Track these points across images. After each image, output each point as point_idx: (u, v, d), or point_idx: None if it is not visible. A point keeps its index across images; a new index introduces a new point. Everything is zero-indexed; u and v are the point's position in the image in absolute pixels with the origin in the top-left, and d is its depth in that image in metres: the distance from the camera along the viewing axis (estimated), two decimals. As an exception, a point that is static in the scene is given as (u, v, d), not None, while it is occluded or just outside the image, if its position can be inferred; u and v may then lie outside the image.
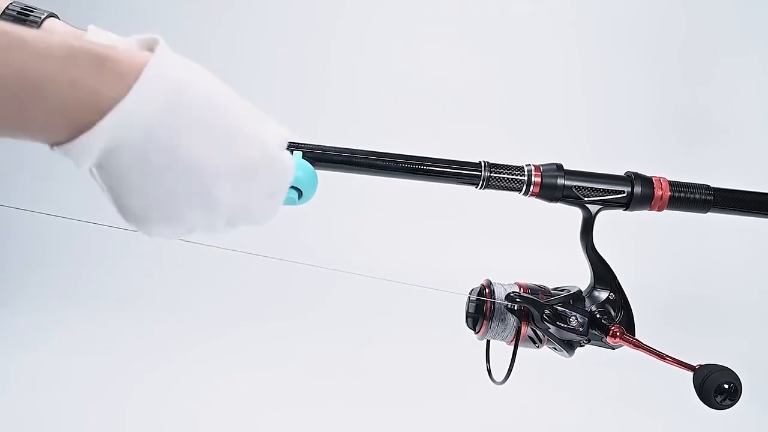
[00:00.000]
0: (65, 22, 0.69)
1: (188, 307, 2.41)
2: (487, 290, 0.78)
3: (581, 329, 0.74)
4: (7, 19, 0.64)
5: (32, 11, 0.66)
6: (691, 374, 0.71)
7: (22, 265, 2.62)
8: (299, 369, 2.03)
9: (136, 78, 0.45)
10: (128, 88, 0.45)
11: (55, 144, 0.46)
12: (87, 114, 0.44)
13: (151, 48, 0.49)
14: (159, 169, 0.47)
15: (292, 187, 0.64)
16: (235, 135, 0.50)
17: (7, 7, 0.65)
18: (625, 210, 0.78)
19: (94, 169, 0.48)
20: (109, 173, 0.48)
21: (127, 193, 0.48)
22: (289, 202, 0.64)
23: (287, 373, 2.00)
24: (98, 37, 0.68)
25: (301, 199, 0.66)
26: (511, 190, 0.76)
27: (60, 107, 0.43)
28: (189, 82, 0.48)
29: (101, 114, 0.44)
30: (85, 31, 0.68)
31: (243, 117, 0.51)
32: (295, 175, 0.64)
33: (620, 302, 0.77)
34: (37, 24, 0.65)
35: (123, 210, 0.49)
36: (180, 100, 0.47)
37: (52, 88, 0.42)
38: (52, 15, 0.68)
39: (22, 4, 0.66)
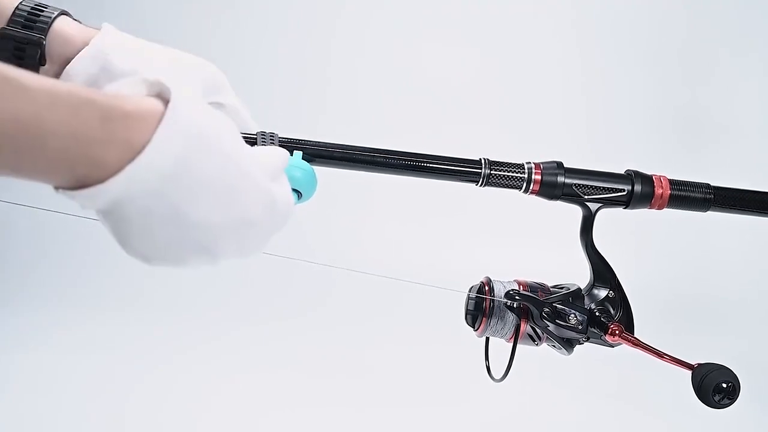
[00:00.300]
0: (77, 20, 0.69)
1: (188, 307, 2.41)
2: (486, 288, 0.78)
3: (580, 327, 0.74)
4: (17, 21, 0.64)
5: (43, 10, 0.65)
6: (689, 373, 0.71)
7: (22, 264, 2.62)
8: (299, 369, 2.03)
9: (145, 140, 0.45)
10: (135, 149, 0.44)
11: (58, 187, 0.46)
12: (90, 169, 0.44)
13: (160, 94, 0.49)
14: (163, 223, 0.48)
15: (292, 188, 0.65)
16: (240, 192, 0.51)
17: (18, 6, 0.65)
18: (625, 208, 0.79)
19: (99, 214, 0.49)
20: (112, 219, 0.48)
21: (130, 238, 0.49)
22: None
23: (287, 373, 2.00)
24: (112, 38, 0.67)
25: (300, 200, 0.66)
26: (511, 187, 0.76)
27: (62, 158, 0.43)
28: (197, 142, 0.48)
29: (104, 170, 0.44)
30: (99, 29, 0.68)
31: (247, 170, 0.52)
32: (295, 176, 0.65)
33: (619, 300, 0.77)
34: (48, 23, 0.64)
35: (127, 249, 0.50)
36: (187, 162, 0.47)
37: (53, 140, 0.41)
38: (63, 13, 0.67)
39: (33, 1, 0.65)
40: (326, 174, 0.69)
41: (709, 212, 0.80)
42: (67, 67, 0.65)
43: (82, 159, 0.43)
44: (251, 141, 0.66)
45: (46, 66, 0.65)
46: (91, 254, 2.53)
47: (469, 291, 0.80)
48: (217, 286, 2.48)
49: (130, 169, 0.44)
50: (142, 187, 0.46)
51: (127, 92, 0.49)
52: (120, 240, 0.49)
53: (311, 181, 0.66)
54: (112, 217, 0.48)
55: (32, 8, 0.65)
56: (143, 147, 0.45)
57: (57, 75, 0.66)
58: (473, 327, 0.80)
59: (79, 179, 0.44)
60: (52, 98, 0.41)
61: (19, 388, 1.86)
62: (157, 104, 0.47)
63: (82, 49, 0.66)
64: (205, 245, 0.51)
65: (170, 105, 0.47)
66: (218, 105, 0.71)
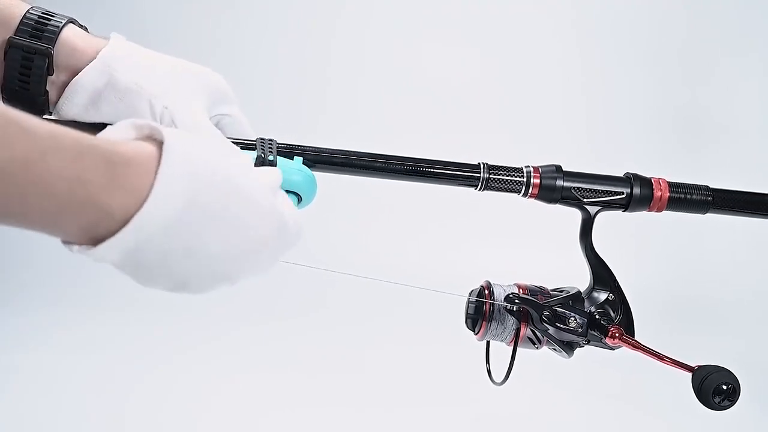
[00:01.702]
0: (84, 27, 0.68)
1: (188, 306, 2.40)
2: (486, 291, 0.78)
3: (580, 330, 0.75)
4: (24, 30, 0.63)
5: (50, 19, 0.64)
6: (689, 375, 0.71)
7: (22, 264, 2.62)
8: (299, 369, 2.03)
9: (146, 186, 0.45)
10: (138, 194, 0.45)
11: (68, 242, 0.46)
12: (96, 215, 0.44)
13: (152, 136, 0.49)
14: (178, 262, 0.49)
15: (293, 192, 0.65)
16: (248, 218, 0.51)
17: (25, 15, 0.64)
18: (624, 211, 0.79)
19: (115, 265, 0.49)
20: (129, 268, 0.49)
21: (149, 281, 0.50)
22: None
23: (287, 373, 2.00)
24: (119, 50, 0.67)
25: (300, 204, 0.66)
26: (510, 191, 0.76)
27: (69, 203, 0.43)
28: (197, 180, 0.48)
29: (111, 217, 0.44)
30: (106, 39, 0.67)
31: (252, 196, 0.52)
32: (295, 180, 0.65)
33: (619, 303, 0.77)
34: (56, 33, 0.64)
35: (147, 287, 0.51)
36: (191, 201, 0.47)
37: (60, 183, 0.41)
38: (71, 21, 0.67)
39: (41, 9, 0.65)
40: (326, 178, 0.69)
41: (708, 214, 0.80)
42: (74, 80, 0.65)
43: (88, 205, 0.43)
44: (250, 147, 0.66)
45: (53, 76, 0.65)
46: (91, 254, 2.53)
47: (469, 295, 0.80)
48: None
49: (136, 220, 0.45)
50: (150, 234, 0.46)
51: (119, 137, 0.49)
52: (140, 282, 0.50)
53: (311, 185, 0.67)
54: (129, 267, 0.48)
55: (40, 17, 0.64)
56: (146, 193, 0.45)
57: (64, 85, 0.65)
58: (473, 331, 0.80)
59: (86, 228, 0.45)
60: (56, 142, 0.42)
61: (18, 388, 1.86)
62: (151, 148, 0.47)
63: (90, 59, 0.65)
64: (222, 274, 0.52)
65: (165, 147, 0.47)
66: (222, 115, 0.71)
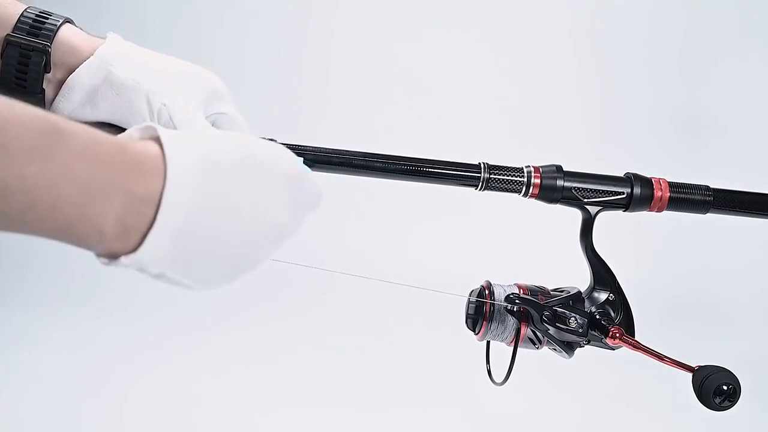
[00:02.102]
0: (80, 27, 0.68)
1: (188, 306, 2.41)
2: (486, 291, 0.78)
3: (581, 330, 0.75)
4: (22, 28, 0.64)
5: (47, 18, 0.65)
6: (690, 375, 0.71)
7: (22, 263, 2.61)
8: (299, 369, 2.03)
9: (162, 167, 0.46)
10: (159, 175, 0.46)
11: (101, 255, 0.47)
12: (125, 200, 0.44)
13: (152, 136, 0.49)
14: (226, 229, 0.49)
15: None
16: (261, 202, 0.52)
17: (23, 14, 0.64)
18: (624, 211, 0.79)
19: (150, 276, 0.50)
20: (179, 262, 0.49)
21: (204, 271, 0.51)
22: None
23: (287, 373, 2.00)
24: (117, 49, 0.67)
25: None
26: (511, 191, 0.76)
27: (90, 188, 0.43)
28: (205, 180, 0.48)
29: (139, 199, 0.45)
30: (103, 39, 0.68)
31: (263, 179, 0.52)
32: None
33: (620, 303, 0.77)
34: (53, 31, 0.64)
35: (208, 287, 0.53)
36: (208, 169, 0.48)
37: (78, 167, 0.42)
38: (67, 21, 0.67)
39: (38, 9, 0.65)
40: (326, 179, 0.69)
41: (708, 214, 0.80)
42: (71, 76, 0.65)
43: (113, 189, 0.44)
44: None
45: (50, 74, 0.65)
46: (91, 254, 2.53)
47: (470, 295, 0.80)
48: (217, 286, 2.48)
49: (169, 191, 0.45)
50: (188, 206, 0.47)
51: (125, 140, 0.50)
52: (196, 281, 0.52)
53: None
54: (180, 257, 0.49)
55: (37, 15, 0.64)
56: (163, 173, 0.46)
57: (60, 83, 0.66)
58: (474, 331, 0.80)
59: (120, 216, 0.45)
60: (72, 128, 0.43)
61: (18, 388, 1.86)
62: (154, 144, 0.48)
63: (87, 57, 0.66)
64: (244, 262, 0.52)
65: (164, 141, 0.47)
66: (219, 114, 0.71)
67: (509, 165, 0.76)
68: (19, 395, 1.82)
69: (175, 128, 0.65)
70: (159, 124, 0.65)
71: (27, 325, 2.25)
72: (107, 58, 0.66)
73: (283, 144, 0.68)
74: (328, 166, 0.70)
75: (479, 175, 0.74)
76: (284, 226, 0.53)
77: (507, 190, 0.76)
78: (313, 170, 0.68)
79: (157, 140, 0.48)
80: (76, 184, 0.42)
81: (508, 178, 0.75)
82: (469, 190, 0.76)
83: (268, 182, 0.52)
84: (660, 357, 0.72)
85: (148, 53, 0.69)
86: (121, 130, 0.65)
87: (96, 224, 0.44)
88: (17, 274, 2.58)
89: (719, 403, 0.69)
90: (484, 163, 0.75)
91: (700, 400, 0.70)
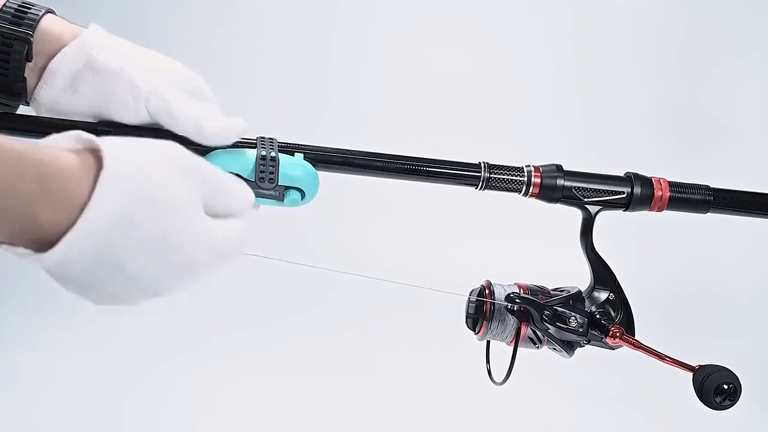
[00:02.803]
0: (62, 17, 0.68)
1: (188, 306, 2.40)
2: (486, 291, 0.78)
3: (581, 330, 0.74)
4: (4, 17, 0.63)
5: (30, 7, 0.65)
6: (690, 375, 0.71)
7: (21, 263, 2.61)
8: (299, 369, 2.03)
9: (81, 199, 0.46)
10: (71, 208, 0.46)
11: (2, 243, 0.47)
12: (30, 224, 0.45)
13: (95, 150, 0.49)
14: (106, 278, 0.50)
15: (295, 188, 0.65)
16: (179, 241, 0.52)
17: (5, 3, 0.64)
18: (624, 211, 0.79)
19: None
20: (57, 277, 0.50)
21: (77, 291, 0.52)
22: (292, 203, 0.65)
23: (287, 373, 2.00)
24: (98, 37, 0.66)
25: (304, 200, 0.66)
26: (511, 191, 0.76)
27: (3, 212, 0.44)
28: (134, 197, 0.48)
29: (43, 227, 0.45)
30: (86, 27, 0.67)
31: (184, 217, 0.52)
32: (296, 175, 0.65)
33: (620, 303, 0.77)
34: (36, 20, 0.64)
35: (75, 295, 0.53)
36: (123, 220, 0.48)
37: None
38: (49, 11, 0.67)
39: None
40: (326, 178, 0.69)
41: (709, 214, 0.80)
42: (52, 61, 0.65)
43: (20, 214, 0.44)
44: (251, 145, 0.66)
45: (32, 63, 0.64)
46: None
47: (470, 294, 0.80)
48: (216, 286, 2.48)
49: (68, 238, 0.45)
50: (80, 251, 0.47)
51: (62, 145, 0.50)
52: (67, 289, 0.52)
53: (313, 180, 0.67)
54: (58, 275, 0.49)
55: (20, 5, 0.64)
56: (78, 208, 0.46)
57: (42, 71, 0.65)
58: (474, 330, 0.80)
59: (18, 234, 0.46)
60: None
61: (18, 388, 1.86)
62: (90, 162, 0.48)
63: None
64: (150, 289, 0.53)
65: (104, 164, 0.47)
66: None
67: (509, 164, 0.76)
68: (19, 395, 1.82)
69: (160, 119, 0.63)
70: (146, 112, 0.64)
71: (27, 325, 2.25)
72: (88, 43, 0.65)
73: (283, 143, 0.68)
74: (329, 165, 0.70)
75: (479, 174, 0.74)
76: (171, 290, 0.54)
77: (507, 190, 0.76)
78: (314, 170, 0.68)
79: (95, 153, 0.48)
80: None
81: (508, 177, 0.75)
82: (470, 190, 0.76)
83: (174, 257, 0.52)
84: (660, 356, 0.72)
85: (131, 45, 0.68)
86: (102, 122, 0.65)
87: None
88: (17, 274, 2.58)
89: (720, 402, 0.69)
90: (484, 163, 0.75)
91: (700, 400, 0.70)
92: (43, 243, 0.47)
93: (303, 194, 0.66)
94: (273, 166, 0.64)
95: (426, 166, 0.73)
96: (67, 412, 1.76)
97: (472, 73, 2.81)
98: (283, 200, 0.64)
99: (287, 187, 0.64)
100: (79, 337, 2.18)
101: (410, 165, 0.73)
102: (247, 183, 0.62)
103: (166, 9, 2.79)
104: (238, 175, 0.62)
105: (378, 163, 0.72)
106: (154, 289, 0.53)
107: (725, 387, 0.68)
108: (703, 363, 0.71)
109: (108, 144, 0.49)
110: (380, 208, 2.62)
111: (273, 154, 0.64)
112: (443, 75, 2.80)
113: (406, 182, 0.74)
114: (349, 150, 0.71)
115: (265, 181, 0.63)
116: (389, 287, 0.82)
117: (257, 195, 0.63)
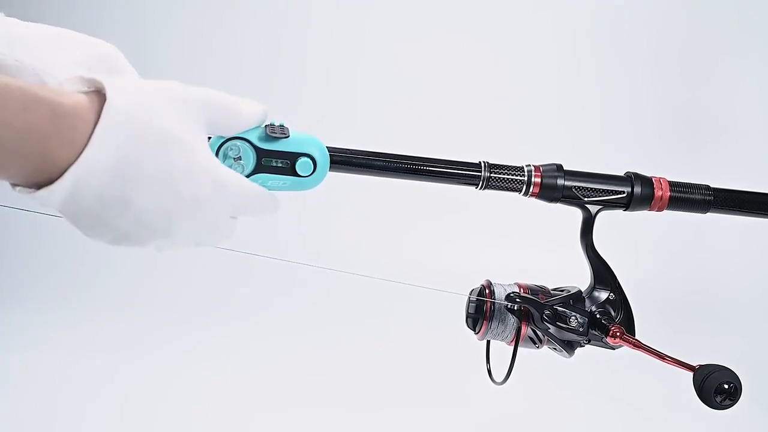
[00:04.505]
0: None
1: (188, 307, 2.41)
2: (487, 291, 0.78)
3: (581, 329, 0.74)
4: None
5: None
6: (691, 374, 0.71)
7: (22, 263, 2.62)
8: (299, 369, 2.03)
9: (86, 137, 0.48)
10: (79, 144, 0.47)
11: (16, 185, 0.48)
12: (41, 162, 0.46)
13: (99, 89, 0.50)
14: (116, 213, 0.51)
15: (306, 155, 0.64)
16: (184, 174, 0.52)
17: None
18: (624, 210, 0.78)
19: (58, 210, 0.51)
20: (70, 214, 0.51)
21: (89, 229, 0.52)
22: (304, 170, 0.64)
23: (287, 373, 2.00)
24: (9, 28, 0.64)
25: (315, 172, 0.65)
26: (511, 190, 0.76)
27: (16, 151, 0.45)
28: (136, 133, 0.50)
29: (54, 164, 0.47)
30: None
31: (187, 152, 0.53)
32: (308, 139, 0.65)
33: (620, 302, 0.77)
34: None
35: (88, 237, 0.53)
36: (128, 154, 0.49)
37: (8, 131, 0.44)
38: None
39: None
40: (326, 177, 0.69)
41: (708, 213, 0.80)
42: None
43: (34, 153, 0.46)
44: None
45: None
46: (91, 254, 2.54)
47: (470, 294, 0.80)
48: (217, 286, 2.49)
49: (73, 169, 0.47)
50: (89, 182, 0.48)
51: (67, 88, 0.51)
52: (81, 230, 0.52)
53: (322, 150, 0.66)
54: (70, 212, 0.50)
55: None
56: (84, 144, 0.48)
57: None
58: (474, 330, 0.79)
59: (29, 174, 0.47)
60: (5, 93, 0.44)
61: (18, 388, 1.86)
62: (94, 101, 0.49)
63: None
64: (158, 228, 0.53)
65: (106, 102, 0.49)
66: None
67: (510, 164, 0.76)
68: (19, 395, 1.82)
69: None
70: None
71: (27, 325, 2.25)
72: None
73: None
74: (329, 165, 0.69)
75: (480, 174, 0.74)
76: (180, 232, 0.54)
77: (507, 189, 0.76)
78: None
79: (99, 93, 0.50)
80: (1, 145, 0.44)
81: (508, 176, 0.75)
82: (470, 189, 0.76)
83: (177, 192, 0.53)
84: (661, 356, 0.72)
85: (28, 25, 0.65)
86: None
87: (5, 176, 0.47)
88: (17, 274, 2.58)
89: (720, 401, 0.69)
90: (484, 162, 0.75)
91: (701, 399, 0.70)
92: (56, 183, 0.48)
93: (314, 164, 0.65)
94: (282, 127, 0.64)
95: (426, 166, 0.73)
96: (67, 412, 1.76)
97: (473, 73, 2.81)
98: (295, 170, 0.64)
99: (298, 155, 0.64)
100: (79, 337, 2.19)
101: (410, 165, 0.73)
102: (258, 151, 0.62)
103: (166, 9, 2.79)
104: (248, 141, 0.62)
105: (378, 163, 0.71)
106: (164, 228, 0.53)
107: (726, 386, 0.68)
108: (703, 363, 0.71)
109: (111, 83, 0.50)
110: (380, 208, 2.62)
111: (281, 122, 0.65)
112: (443, 75, 2.80)
113: (406, 182, 0.74)
114: (349, 150, 0.71)
115: (277, 134, 0.63)
116: (389, 287, 0.82)
117: (268, 170, 0.63)
